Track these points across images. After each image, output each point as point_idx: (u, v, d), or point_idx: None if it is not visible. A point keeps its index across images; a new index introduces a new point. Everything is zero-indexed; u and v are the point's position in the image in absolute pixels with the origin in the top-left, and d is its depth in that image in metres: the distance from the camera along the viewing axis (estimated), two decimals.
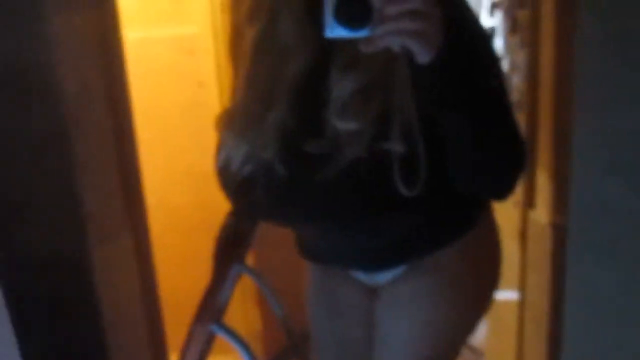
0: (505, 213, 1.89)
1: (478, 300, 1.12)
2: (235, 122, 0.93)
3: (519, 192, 1.58)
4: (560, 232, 1.40)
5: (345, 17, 0.71)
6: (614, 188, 0.86)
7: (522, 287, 1.65)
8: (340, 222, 0.96)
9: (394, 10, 0.70)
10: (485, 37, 0.93)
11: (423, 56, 0.73)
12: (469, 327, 1.13)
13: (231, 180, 0.95)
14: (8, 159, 1.32)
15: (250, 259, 1.37)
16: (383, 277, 1.09)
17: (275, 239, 1.28)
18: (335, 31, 0.72)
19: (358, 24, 0.71)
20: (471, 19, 0.90)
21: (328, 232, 1.02)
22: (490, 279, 1.13)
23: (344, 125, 0.86)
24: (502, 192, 0.96)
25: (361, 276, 1.12)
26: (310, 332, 1.22)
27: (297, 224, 1.04)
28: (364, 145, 0.86)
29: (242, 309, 2.33)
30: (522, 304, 1.66)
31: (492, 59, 0.92)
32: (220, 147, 0.98)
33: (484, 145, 0.84)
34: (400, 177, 0.85)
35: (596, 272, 1.24)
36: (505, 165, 0.89)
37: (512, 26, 1.59)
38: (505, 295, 1.69)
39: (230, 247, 1.15)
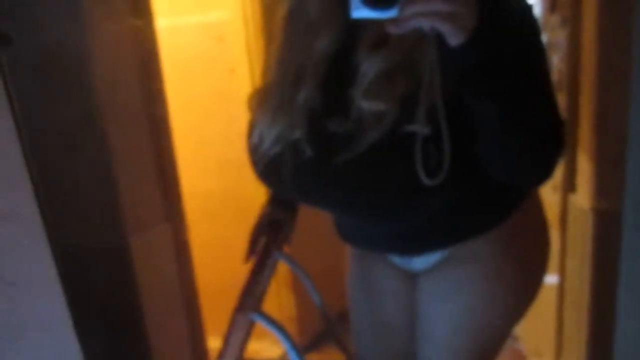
0: (545, 197, 1.85)
1: (522, 291, 1.08)
2: (268, 101, 0.92)
3: (558, 176, 1.54)
4: (602, 217, 1.36)
5: None
6: None
7: (561, 273, 1.62)
8: (362, 205, 0.94)
9: None
10: (525, 11, 0.86)
11: (454, 38, 0.69)
12: (514, 317, 1.10)
13: (261, 158, 0.94)
14: (45, 147, 1.34)
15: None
16: (420, 264, 1.08)
17: (310, 223, 1.27)
18: (360, 12, 0.69)
19: (385, 3, 0.68)
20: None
21: (356, 215, 1.00)
22: (535, 269, 1.09)
23: (368, 105, 0.84)
24: (539, 178, 0.92)
25: (398, 261, 1.10)
26: (347, 316, 1.22)
27: (323, 206, 1.01)
28: (387, 127, 0.83)
29: (277, 294, 2.35)
30: (561, 289, 1.63)
31: (533, 38, 0.86)
32: (253, 126, 0.97)
33: (518, 130, 0.80)
34: (423, 165, 0.82)
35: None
36: (541, 150, 0.85)
37: (552, 3, 1.54)
38: (546, 280, 1.67)
39: (268, 236, 1.15)
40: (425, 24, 0.68)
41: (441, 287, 1.06)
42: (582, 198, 1.43)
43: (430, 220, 0.98)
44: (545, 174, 0.90)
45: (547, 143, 0.85)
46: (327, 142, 0.88)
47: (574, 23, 1.39)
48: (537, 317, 1.87)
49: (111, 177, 1.36)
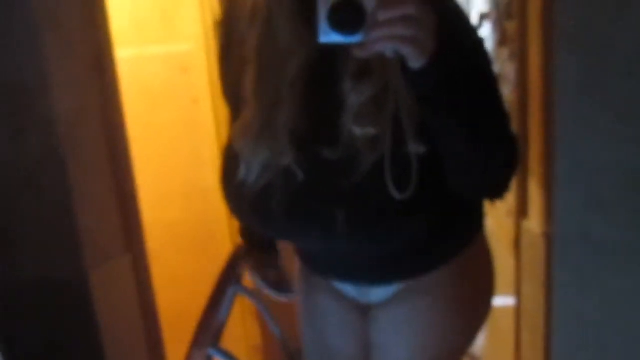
0: (500, 222, 1.90)
1: (475, 319, 1.13)
2: (249, 131, 0.93)
3: (512, 201, 1.59)
4: (551, 241, 1.41)
5: (339, 23, 0.72)
6: (595, 221, 0.89)
7: (517, 296, 1.66)
8: (342, 229, 0.94)
9: (386, 16, 0.71)
10: (478, 40, 0.94)
11: (415, 61, 0.74)
12: (467, 344, 1.14)
13: (247, 194, 0.94)
14: (4, 180, 1.33)
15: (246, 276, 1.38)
16: (375, 296, 1.09)
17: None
18: (328, 36, 0.73)
19: (351, 29, 0.72)
20: (464, 23, 0.92)
21: (333, 240, 0.99)
22: (486, 298, 1.14)
23: (361, 131, 0.87)
24: (497, 191, 0.97)
25: (352, 292, 1.12)
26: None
27: (300, 235, 1.02)
28: (384, 149, 0.87)
29: (242, 323, 2.34)
30: (518, 312, 1.67)
31: (485, 63, 0.93)
32: (233, 163, 0.97)
33: (476, 146, 0.86)
34: (392, 180, 0.87)
35: (580, 301, 1.28)
36: (499, 163, 0.91)
37: (501, 37, 1.61)
38: (502, 301, 1.71)
39: (228, 270, 1.15)
40: (389, 47, 0.73)
41: (397, 318, 1.08)
42: (534, 223, 1.48)
43: (401, 250, 1.01)
44: (503, 185, 0.96)
45: (502, 155, 0.91)
46: (321, 167, 0.91)
47: (521, 56, 1.45)
48: (497, 340, 1.91)
49: (70, 209, 1.36)
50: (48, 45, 1.31)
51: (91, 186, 1.45)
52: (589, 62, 1.14)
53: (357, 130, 0.87)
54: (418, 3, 0.71)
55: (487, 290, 1.14)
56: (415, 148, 0.87)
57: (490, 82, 0.92)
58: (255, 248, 1.24)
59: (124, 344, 1.53)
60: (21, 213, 1.33)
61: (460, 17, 0.92)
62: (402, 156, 0.87)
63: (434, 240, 1.01)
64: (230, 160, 0.99)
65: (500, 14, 1.61)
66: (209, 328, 0.96)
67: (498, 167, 0.92)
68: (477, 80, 0.86)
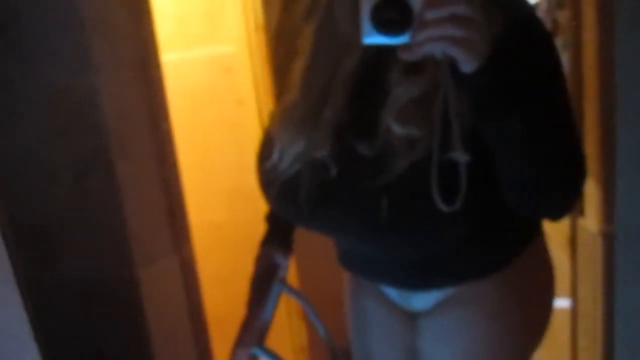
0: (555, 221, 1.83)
1: (527, 331, 1.04)
2: (290, 118, 0.89)
3: None
4: (611, 241, 1.35)
5: (383, 23, 0.67)
6: None
7: (574, 297, 1.59)
8: (383, 230, 0.90)
9: (435, 15, 0.66)
10: (544, 37, 0.84)
11: (467, 65, 0.68)
12: (521, 358, 1.07)
13: (277, 179, 0.91)
14: (52, 182, 1.35)
15: (291, 274, 1.37)
16: (419, 303, 1.05)
17: (317, 249, 1.27)
18: (372, 37, 0.68)
19: (396, 29, 0.67)
20: (529, 17, 0.83)
21: (366, 240, 0.96)
22: (540, 310, 1.06)
23: (401, 130, 0.81)
24: (557, 213, 0.89)
25: (396, 297, 1.08)
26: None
27: (335, 228, 0.98)
28: (419, 153, 0.81)
29: (288, 323, 2.33)
30: (574, 315, 1.61)
31: (552, 64, 0.83)
32: (270, 145, 0.93)
33: (536, 162, 0.78)
34: (439, 191, 0.79)
35: None
36: (562, 182, 0.82)
37: (553, 28, 1.55)
38: (557, 304, 1.64)
39: (269, 277, 1.13)
40: (438, 49, 0.68)
41: (441, 327, 1.03)
42: (591, 221, 1.42)
43: (443, 253, 0.95)
44: (563, 209, 0.88)
45: (567, 173, 0.82)
46: (354, 164, 0.86)
47: (575, 47, 1.39)
48: (551, 343, 1.84)
49: (119, 211, 1.38)
50: (96, 49, 1.33)
51: (139, 187, 1.46)
52: None
53: (398, 129, 0.82)
54: (468, 2, 0.66)
55: (541, 304, 1.06)
56: (460, 156, 0.79)
57: (557, 88, 0.82)
58: (276, 236, 1.20)
59: (171, 344, 1.54)
60: (69, 213, 1.35)
61: (524, 10, 0.84)
62: (444, 163, 0.80)
63: (478, 248, 0.95)
64: (267, 142, 0.96)
65: (551, 3, 1.56)
66: (252, 327, 0.95)
67: (561, 187, 0.82)
68: (541, 87, 0.77)
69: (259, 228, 2.24)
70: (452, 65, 0.70)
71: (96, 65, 1.33)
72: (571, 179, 0.83)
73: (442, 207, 0.79)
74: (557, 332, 1.75)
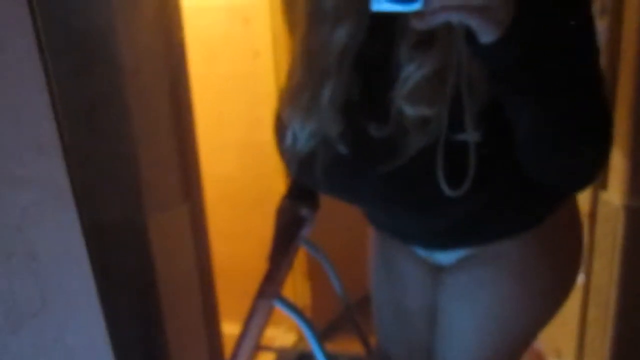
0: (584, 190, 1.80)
1: (549, 295, 1.02)
2: (298, 99, 0.86)
3: None
4: (634, 215, 1.32)
5: None
6: None
7: (587, 271, 1.57)
8: (396, 204, 0.91)
9: None
10: (579, 5, 0.75)
11: (487, 35, 0.63)
12: (538, 322, 1.05)
13: (294, 157, 0.90)
14: (70, 120, 1.32)
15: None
16: (445, 258, 1.04)
17: (331, 206, 1.24)
18: (381, 4, 0.62)
19: None
20: None
21: (389, 212, 0.98)
22: (566, 272, 1.03)
23: (412, 110, 0.77)
24: (582, 181, 0.85)
25: (422, 253, 1.07)
26: (366, 303, 1.20)
27: (354, 202, 0.98)
28: (433, 134, 0.77)
29: (292, 281, 2.33)
30: (586, 288, 1.59)
31: (584, 31, 0.76)
32: (283, 127, 0.92)
33: (561, 129, 0.73)
34: (445, 174, 0.77)
35: None
36: (585, 151, 0.77)
37: None
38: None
39: (292, 231, 1.11)
40: (454, 18, 0.62)
41: (463, 284, 1.02)
42: (614, 195, 1.39)
43: (459, 220, 0.93)
44: (589, 176, 0.84)
45: (593, 143, 0.77)
46: (365, 144, 0.83)
47: (614, 12, 1.34)
48: (557, 316, 1.83)
49: (133, 155, 1.35)
50: None
51: (153, 135, 1.44)
52: None
53: (409, 109, 0.77)
54: None
55: (564, 269, 1.03)
56: (472, 135, 0.75)
57: (586, 56, 0.75)
58: (302, 190, 1.17)
59: (178, 291, 1.54)
60: (87, 155, 1.32)
61: None
62: (456, 144, 0.77)
63: (496, 214, 0.93)
64: (279, 122, 0.95)
65: None
66: (275, 279, 0.93)
67: (584, 158, 0.78)
68: (569, 55, 0.71)
69: (269, 182, 2.22)
70: (470, 35, 0.65)
71: (113, 7, 1.29)
72: (596, 145, 0.79)
73: (447, 190, 0.77)
74: (566, 306, 1.74)
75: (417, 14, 0.62)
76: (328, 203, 1.17)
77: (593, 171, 0.83)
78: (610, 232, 1.41)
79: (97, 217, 1.37)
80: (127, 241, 1.40)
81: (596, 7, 1.42)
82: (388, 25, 0.79)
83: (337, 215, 1.39)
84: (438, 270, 1.06)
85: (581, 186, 0.89)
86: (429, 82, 0.75)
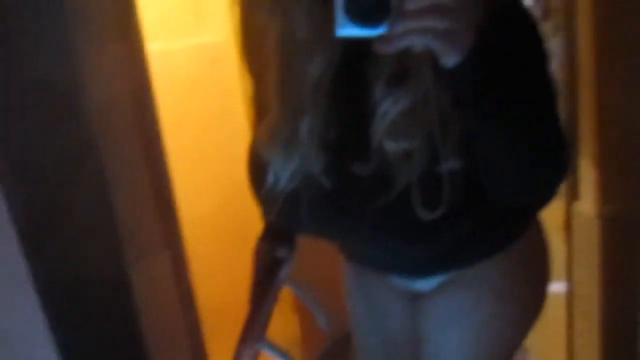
0: (549, 205, 1.83)
1: (529, 308, 1.06)
2: (277, 135, 0.84)
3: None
4: (608, 224, 1.34)
5: (359, 12, 0.62)
6: None
7: (569, 281, 1.59)
8: (389, 234, 0.92)
9: (415, 5, 0.61)
10: (532, 25, 0.80)
11: (449, 58, 0.64)
12: (522, 335, 1.08)
13: (276, 198, 0.87)
14: (41, 177, 1.31)
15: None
16: (424, 285, 1.05)
17: (309, 242, 1.25)
18: (347, 29, 0.63)
19: (373, 20, 0.62)
20: (515, 8, 0.80)
21: (374, 240, 0.97)
22: (537, 289, 1.08)
23: (394, 145, 0.78)
24: (540, 200, 0.89)
25: (400, 282, 1.08)
26: (351, 334, 1.19)
27: (339, 238, 1.00)
28: (418, 166, 0.78)
29: (280, 315, 2.31)
30: (570, 298, 1.61)
31: (539, 57, 0.80)
32: (262, 167, 0.88)
33: (519, 151, 0.76)
34: (420, 199, 0.79)
35: None
36: (543, 171, 0.80)
37: (544, 10, 1.53)
38: (552, 287, 1.65)
39: (270, 273, 1.11)
40: (418, 42, 0.63)
41: (445, 310, 1.03)
42: (587, 205, 1.41)
43: (443, 245, 0.95)
44: (547, 195, 0.87)
45: (550, 164, 0.81)
46: (351, 181, 0.84)
47: (568, 30, 1.38)
48: (546, 328, 1.84)
49: (108, 206, 1.34)
50: (80, 40, 1.29)
51: (128, 181, 1.43)
52: None
53: (390, 145, 0.78)
54: None
55: (538, 281, 1.08)
56: (451, 164, 0.77)
57: (542, 80, 0.79)
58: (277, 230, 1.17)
59: (165, 341, 1.52)
60: (57, 210, 1.32)
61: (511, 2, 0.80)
62: (435, 173, 0.79)
63: (475, 238, 0.96)
64: (257, 162, 0.91)
65: None
66: (256, 324, 0.93)
67: (543, 176, 0.81)
68: (526, 80, 0.74)
69: (249, 218, 2.21)
70: (434, 60, 0.66)
71: (80, 56, 1.29)
72: (556, 165, 0.82)
73: (423, 214, 0.80)
74: (552, 317, 1.75)
75: (381, 39, 0.63)
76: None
77: (552, 188, 0.86)
78: (586, 243, 1.43)
79: (78, 271, 1.36)
80: (110, 293, 1.39)
81: (550, 26, 1.46)
82: (361, 60, 0.79)
83: (321, 248, 1.40)
84: (417, 297, 1.07)
85: (542, 203, 0.92)
86: (406, 116, 0.76)
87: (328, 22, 0.69)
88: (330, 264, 1.19)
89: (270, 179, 0.87)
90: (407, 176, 0.79)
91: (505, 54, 0.68)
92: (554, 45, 1.49)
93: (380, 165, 0.80)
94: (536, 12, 1.59)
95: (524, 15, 0.81)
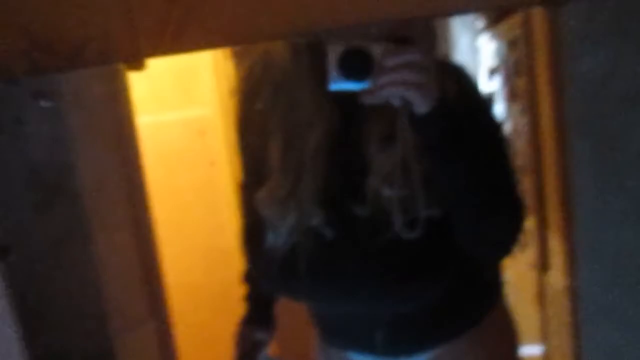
0: (521, 275, 1.89)
1: None
2: (275, 199, 0.95)
3: (533, 254, 1.59)
4: (575, 296, 1.39)
5: (348, 70, 0.77)
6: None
7: (546, 346, 1.63)
8: (385, 279, 0.97)
9: (393, 62, 0.75)
10: (483, 98, 0.99)
11: (422, 106, 0.78)
12: None
13: (275, 258, 0.96)
14: (30, 258, 1.35)
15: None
16: None
17: (295, 326, 1.29)
18: (338, 84, 0.78)
19: (360, 76, 0.77)
20: (468, 81, 0.96)
21: (366, 301, 1.00)
22: (516, 343, 1.16)
23: (391, 192, 0.90)
24: (501, 249, 0.99)
25: None
26: None
27: (336, 293, 1.02)
28: (413, 210, 0.89)
29: None
30: None
31: (492, 120, 0.97)
32: (257, 229, 0.99)
33: (480, 199, 0.88)
34: (399, 217, 0.90)
35: (612, 338, 1.25)
36: (503, 219, 0.92)
37: (512, 93, 1.63)
38: (529, 351, 1.68)
39: (252, 356, 1.15)
40: (396, 93, 0.77)
41: None
42: (556, 277, 1.47)
43: (425, 314, 1.02)
44: (507, 243, 0.97)
45: (507, 211, 0.93)
46: (351, 225, 0.94)
47: (532, 110, 1.47)
48: None
49: (96, 283, 1.37)
50: (72, 123, 1.35)
51: (116, 256, 1.46)
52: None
53: (386, 191, 0.90)
54: (422, 51, 0.76)
55: (510, 352, 1.15)
56: (430, 211, 0.90)
57: (496, 137, 0.95)
58: (257, 314, 1.24)
59: None
60: (47, 288, 1.35)
61: (465, 75, 0.96)
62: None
63: (453, 309, 1.03)
64: (253, 231, 1.01)
65: (509, 70, 1.65)
66: None
67: (501, 224, 0.93)
68: (482, 133, 0.90)
69: (235, 287, 2.24)
70: (410, 110, 0.80)
71: (72, 138, 1.35)
72: (512, 216, 0.94)
73: (405, 234, 0.90)
74: None
75: (366, 90, 0.78)
76: (297, 312, 1.21)
77: (510, 240, 0.96)
78: (557, 312, 1.48)
79: (64, 348, 1.38)
80: None
81: (518, 107, 1.56)
82: (354, 124, 0.92)
83: (305, 324, 1.43)
84: None
85: (499, 253, 1.02)
86: (400, 169, 0.89)
87: (328, 100, 0.88)
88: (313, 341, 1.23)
89: (269, 239, 0.96)
90: (402, 219, 0.90)
91: (464, 108, 0.82)
92: (521, 124, 1.58)
93: (377, 210, 0.91)
94: (505, 95, 1.70)
95: (473, 85, 0.98)
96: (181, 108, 2.23)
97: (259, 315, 1.20)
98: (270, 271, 0.99)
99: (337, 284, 0.98)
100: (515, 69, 1.58)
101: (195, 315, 2.22)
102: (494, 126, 0.98)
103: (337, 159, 0.94)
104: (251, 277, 1.19)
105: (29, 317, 1.31)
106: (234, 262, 1.08)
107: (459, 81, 0.92)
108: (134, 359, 1.48)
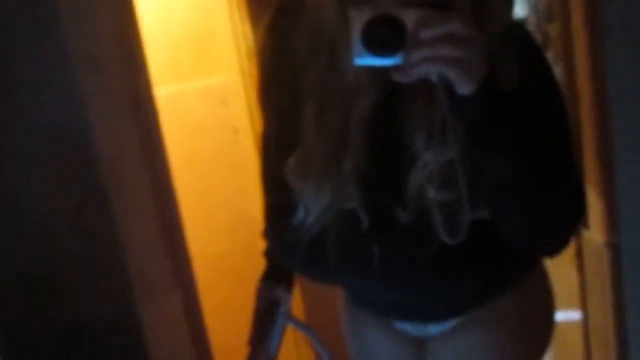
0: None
1: (537, 348, 1.07)
2: (311, 168, 0.81)
3: None
4: (617, 251, 1.33)
5: (374, 42, 0.63)
6: None
7: (584, 310, 1.57)
8: (411, 277, 0.92)
9: (430, 34, 0.62)
10: (542, 59, 0.81)
11: (464, 87, 0.64)
12: None
13: (303, 236, 0.85)
14: (50, 225, 1.34)
15: (299, 310, 1.36)
16: (436, 329, 1.04)
17: (322, 287, 1.25)
18: (363, 58, 0.64)
19: (388, 49, 0.63)
20: (524, 40, 0.81)
21: (390, 285, 0.94)
22: (546, 320, 1.09)
23: (436, 194, 0.79)
24: (555, 247, 0.89)
25: (407, 327, 1.06)
26: None
27: (367, 277, 0.94)
28: (460, 213, 0.78)
29: (295, 351, 2.30)
30: (586, 327, 1.58)
31: (554, 95, 0.81)
32: (289, 203, 0.85)
33: (533, 193, 0.75)
34: (442, 223, 0.79)
35: None
36: (557, 217, 0.80)
37: (544, 41, 1.55)
38: (567, 316, 1.62)
39: (269, 314, 1.12)
40: (433, 70, 0.65)
41: (458, 350, 1.02)
42: (596, 234, 1.40)
43: (457, 290, 0.97)
44: (562, 242, 0.87)
45: (564, 210, 0.80)
46: (387, 218, 0.84)
47: (566, 59, 1.39)
48: (564, 355, 1.81)
49: (118, 249, 1.36)
50: (86, 87, 1.32)
51: (137, 223, 1.45)
52: None
53: (431, 192, 0.79)
54: (465, 20, 0.63)
55: (546, 312, 1.09)
56: (484, 214, 0.80)
57: (558, 120, 0.79)
58: (277, 270, 1.18)
59: None
60: (68, 255, 1.34)
61: (516, 27, 0.81)
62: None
63: (492, 277, 0.97)
64: (279, 203, 0.89)
65: (540, 17, 1.56)
66: None
67: (557, 222, 0.81)
68: (540, 115, 0.73)
69: (261, 257, 2.22)
70: (449, 89, 0.66)
71: (88, 102, 1.32)
72: (571, 214, 0.83)
73: (447, 239, 0.80)
74: (570, 345, 1.72)
75: (397, 68, 0.64)
76: None
77: (562, 237, 0.86)
78: (597, 270, 1.42)
79: (89, 315, 1.38)
80: (121, 336, 1.40)
81: (550, 57, 1.48)
82: (402, 105, 0.79)
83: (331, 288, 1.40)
84: (423, 342, 1.06)
85: (552, 251, 0.92)
86: (447, 169, 0.77)
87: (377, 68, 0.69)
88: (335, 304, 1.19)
89: (299, 214, 0.84)
90: (447, 223, 0.79)
91: (520, 86, 0.68)
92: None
93: (419, 212, 0.80)
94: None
95: (538, 52, 0.82)
96: (201, 76, 2.19)
97: (278, 271, 1.16)
98: (296, 252, 0.87)
99: (369, 276, 0.91)
100: (547, 14, 1.49)
101: (221, 283, 2.21)
102: (558, 113, 0.80)
103: (380, 139, 0.81)
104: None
105: (50, 282, 1.31)
106: (259, 231, 1.03)
107: (523, 55, 0.72)
108: (160, 326, 1.47)
